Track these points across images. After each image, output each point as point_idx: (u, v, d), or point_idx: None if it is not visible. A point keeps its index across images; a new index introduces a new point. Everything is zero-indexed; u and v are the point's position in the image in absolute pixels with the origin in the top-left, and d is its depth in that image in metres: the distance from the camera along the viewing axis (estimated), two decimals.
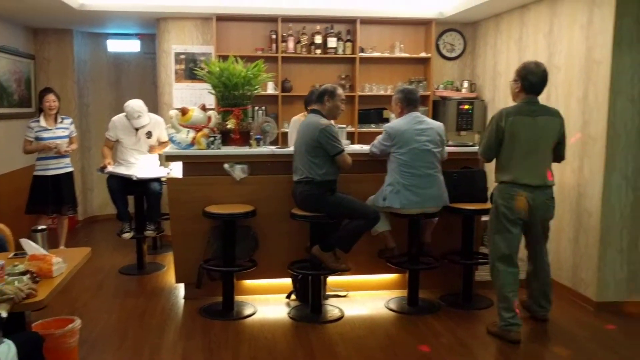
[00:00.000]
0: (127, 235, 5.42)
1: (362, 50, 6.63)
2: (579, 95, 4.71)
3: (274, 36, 6.51)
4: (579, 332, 4.15)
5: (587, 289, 4.63)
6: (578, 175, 4.73)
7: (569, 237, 4.86)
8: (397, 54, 6.70)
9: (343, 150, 4.25)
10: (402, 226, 4.55)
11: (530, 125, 3.90)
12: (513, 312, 3.95)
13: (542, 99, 5.10)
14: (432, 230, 4.71)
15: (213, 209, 4.39)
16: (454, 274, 4.82)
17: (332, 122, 4.41)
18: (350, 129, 6.58)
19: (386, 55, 6.71)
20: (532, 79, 3.90)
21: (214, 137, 4.60)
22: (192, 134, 4.64)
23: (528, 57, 5.49)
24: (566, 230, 4.90)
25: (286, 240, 4.63)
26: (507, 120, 3.90)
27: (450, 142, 5.26)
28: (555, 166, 4.86)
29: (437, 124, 4.41)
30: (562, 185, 4.94)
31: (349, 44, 6.61)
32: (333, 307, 4.55)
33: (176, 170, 4.87)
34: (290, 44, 6.52)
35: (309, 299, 4.47)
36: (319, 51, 6.57)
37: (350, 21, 6.59)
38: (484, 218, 5.35)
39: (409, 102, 4.37)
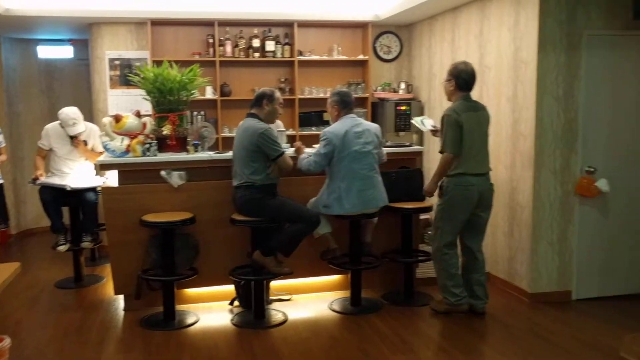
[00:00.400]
0: (62, 248, 5.24)
1: (300, 54, 6.66)
2: (508, 94, 4.88)
3: (211, 40, 6.45)
4: (514, 322, 4.28)
5: (522, 280, 4.80)
6: (510, 172, 4.89)
7: (504, 231, 5.02)
8: (336, 56, 6.76)
9: (283, 153, 4.25)
10: (344, 227, 4.59)
11: (475, 119, 4.22)
12: (461, 287, 4.35)
13: (475, 98, 5.28)
14: (373, 230, 4.77)
15: (150, 217, 4.30)
16: (395, 272, 4.90)
17: (271, 125, 4.40)
18: (291, 132, 6.59)
19: (325, 58, 6.75)
20: (465, 77, 4.21)
21: (150, 143, 4.51)
22: (126, 141, 4.54)
23: (461, 58, 5.64)
24: (501, 225, 5.06)
25: (227, 246, 4.59)
26: (461, 116, 4.14)
27: (388, 143, 5.36)
28: (492, 164, 5.04)
29: (374, 126, 4.47)
30: (496, 181, 5.07)
31: (287, 48, 6.61)
32: (277, 311, 4.54)
33: (112, 179, 4.75)
34: (228, 48, 6.48)
35: (252, 304, 4.44)
36: (257, 55, 6.54)
37: (288, 24, 6.60)
38: (423, 216, 5.49)
39: (345, 104, 4.41)
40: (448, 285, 4.38)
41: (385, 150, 4.78)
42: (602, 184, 4.56)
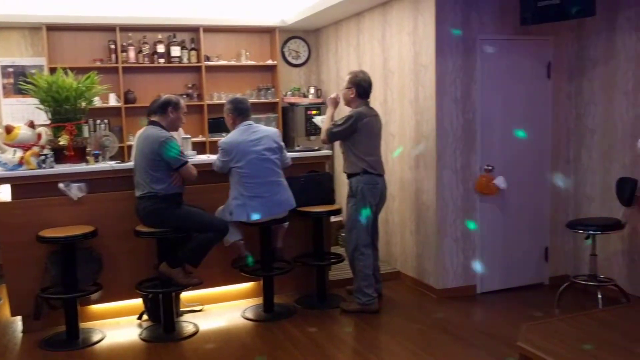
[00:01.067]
0: None
1: (207, 59, 6.56)
2: (411, 97, 5.03)
3: (112, 46, 6.23)
4: (423, 319, 4.41)
5: (429, 277, 4.95)
6: (415, 172, 5.04)
7: (411, 230, 5.17)
8: (244, 61, 6.71)
9: (187, 162, 4.15)
10: (255, 234, 4.55)
11: (376, 124, 4.57)
12: (372, 287, 4.53)
13: (380, 101, 5.42)
14: (284, 235, 4.76)
15: (48, 232, 4.07)
16: (308, 276, 4.92)
17: (173, 133, 4.29)
18: (200, 138, 6.48)
19: (233, 63, 6.70)
20: (365, 85, 4.54)
21: (46, 155, 4.28)
22: (19, 153, 4.28)
23: (366, 63, 5.79)
24: (409, 224, 5.21)
25: (133, 259, 4.43)
26: (363, 120, 4.41)
27: (297, 147, 5.39)
28: (395, 164, 5.20)
29: (272, 131, 4.47)
30: (403, 182, 5.25)
31: (193, 53, 6.50)
32: (188, 323, 4.43)
33: (4, 193, 4.46)
34: (132, 54, 6.28)
35: (161, 317, 4.31)
36: (162, 60, 6.39)
37: (194, 29, 6.49)
38: (335, 219, 5.56)
39: (240, 111, 4.38)
40: (362, 286, 4.50)
41: (292, 154, 4.81)
42: (499, 182, 4.79)
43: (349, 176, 4.55)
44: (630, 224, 4.48)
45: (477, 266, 4.93)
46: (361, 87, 4.49)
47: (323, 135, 4.59)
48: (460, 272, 4.90)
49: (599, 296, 4.40)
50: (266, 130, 4.42)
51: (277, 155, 4.37)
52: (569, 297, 4.71)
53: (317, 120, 5.07)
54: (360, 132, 4.41)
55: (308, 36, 7.08)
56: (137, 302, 4.50)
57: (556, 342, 3.51)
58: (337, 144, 4.87)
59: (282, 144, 4.46)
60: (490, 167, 4.83)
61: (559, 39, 4.99)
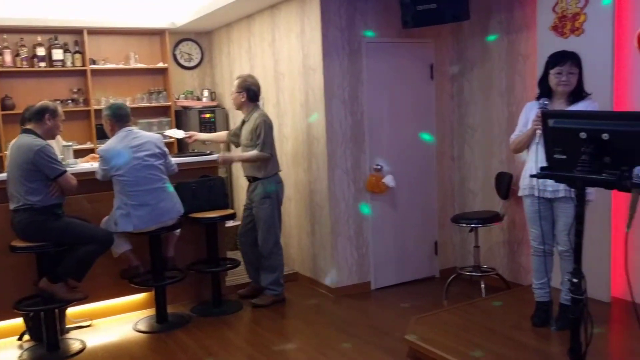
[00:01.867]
0: None
1: (93, 62, 6.28)
2: (301, 99, 5.07)
3: None
4: (318, 319, 4.46)
5: (325, 277, 5.01)
6: (309, 174, 5.09)
7: (307, 230, 5.21)
8: (133, 64, 6.48)
9: (65, 171, 3.94)
10: (145, 243, 4.40)
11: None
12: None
13: (273, 103, 5.42)
14: (176, 242, 4.64)
15: None
16: (203, 283, 4.83)
17: (50, 142, 4.06)
18: (88, 145, 6.19)
19: (121, 66, 6.45)
20: (254, 89, 4.67)
21: None
22: None
23: (258, 65, 5.77)
24: (304, 225, 5.24)
25: (11, 276, 4.15)
26: (271, 123, 4.66)
27: (188, 152, 5.29)
28: (290, 166, 5.23)
29: (155, 137, 4.35)
30: (298, 184, 5.28)
31: (78, 56, 6.20)
32: (74, 340, 4.21)
33: None
34: (8, 57, 5.89)
35: (44, 336, 4.06)
36: (43, 64, 6.04)
37: (77, 32, 6.19)
38: (231, 224, 5.50)
39: (119, 117, 4.23)
40: (279, 277, 4.77)
41: (183, 159, 4.71)
42: (388, 180, 4.94)
43: (263, 179, 4.62)
44: (508, 215, 4.76)
45: (371, 263, 5.05)
46: (251, 90, 4.62)
47: (260, 157, 4.57)
48: (355, 269, 5.00)
49: (482, 286, 4.64)
50: (148, 136, 4.29)
51: (161, 161, 4.24)
52: (457, 288, 4.93)
53: (170, 132, 5.25)
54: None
55: (200, 38, 6.96)
56: (19, 322, 4.22)
57: (441, 332, 3.67)
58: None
59: (166, 149, 4.34)
60: (379, 167, 4.96)
61: (440, 42, 5.21)
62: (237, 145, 4.96)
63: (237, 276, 5.18)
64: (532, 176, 2.90)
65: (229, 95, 6.57)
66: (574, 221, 2.67)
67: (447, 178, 5.38)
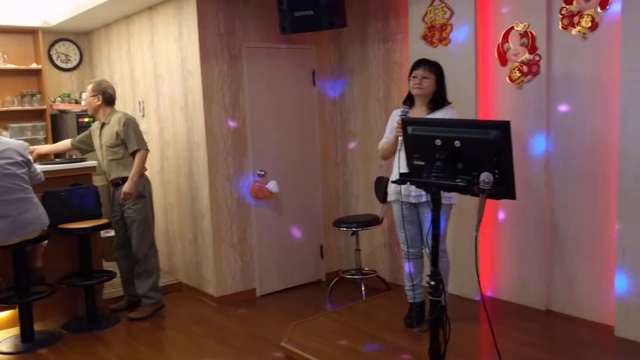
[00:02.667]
0: None
1: None
2: (181, 103, 4.93)
3: None
4: (198, 330, 4.33)
5: (209, 286, 4.90)
6: (190, 180, 4.96)
7: (190, 239, 5.08)
8: (2, 65, 6.03)
9: None
10: (8, 256, 4.09)
11: None
12: None
13: (154, 108, 5.25)
14: (47, 255, 4.36)
15: None
16: (77, 297, 4.57)
17: None
18: None
19: None
20: (111, 92, 4.59)
21: None
22: None
23: (138, 68, 5.56)
24: (187, 233, 5.10)
25: None
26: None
27: (58, 160, 5.00)
28: (171, 173, 5.08)
29: (17, 143, 4.05)
30: (180, 191, 5.13)
31: None
32: None
33: None
34: None
35: None
36: None
37: None
38: (106, 234, 5.25)
39: None
40: (156, 283, 4.62)
41: (52, 167, 4.44)
42: (271, 186, 4.91)
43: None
44: (387, 218, 4.88)
45: (256, 270, 5.00)
46: (107, 94, 4.52)
47: (145, 155, 4.46)
48: (239, 277, 4.92)
49: (363, 288, 4.73)
50: (10, 143, 3.99)
51: (25, 169, 3.95)
52: (340, 291, 5.00)
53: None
54: None
55: (79, 39, 6.61)
56: None
57: (316, 338, 3.68)
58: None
59: (30, 157, 4.06)
60: (262, 172, 4.92)
61: (321, 48, 5.27)
62: (86, 152, 4.79)
63: (116, 288, 4.94)
64: (392, 182, 2.97)
65: None
66: (431, 225, 2.76)
67: (331, 182, 5.45)
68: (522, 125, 3.87)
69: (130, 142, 4.41)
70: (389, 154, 3.67)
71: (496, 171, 2.57)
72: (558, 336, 3.56)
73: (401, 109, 3.52)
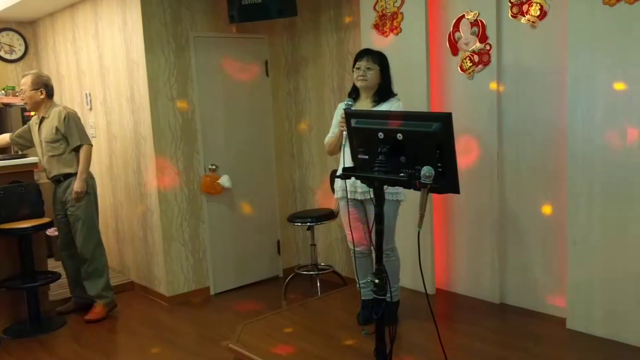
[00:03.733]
0: None
1: None
2: (127, 95, 4.73)
3: None
4: (146, 331, 4.18)
5: (160, 285, 4.74)
6: (138, 176, 4.78)
7: (140, 236, 4.90)
8: None
9: None
10: None
11: None
12: None
13: (101, 101, 5.05)
14: None
15: None
16: (20, 300, 4.36)
17: None
18: None
19: None
20: (51, 85, 4.38)
21: None
22: None
23: (83, 59, 5.34)
24: (137, 231, 4.93)
25: None
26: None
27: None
28: (120, 168, 4.94)
29: None
30: (128, 187, 4.94)
31: None
32: None
33: None
34: None
35: None
36: None
37: None
38: (51, 232, 5.05)
39: None
40: (108, 280, 4.46)
41: None
42: (224, 180, 4.76)
43: (74, 174, 4.25)
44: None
45: (210, 267, 4.85)
46: (49, 87, 4.35)
47: (89, 150, 4.28)
48: (192, 275, 4.77)
49: (318, 284, 4.63)
50: None
51: None
52: (296, 287, 4.89)
53: None
54: None
55: (24, 29, 6.31)
56: None
57: (266, 338, 3.56)
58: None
59: None
60: (214, 167, 4.77)
61: (274, 38, 5.12)
62: (25, 147, 4.57)
63: (65, 289, 4.74)
64: (336, 177, 2.86)
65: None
66: (374, 221, 2.66)
67: (287, 176, 5.32)
68: (474, 116, 3.80)
69: (72, 137, 4.22)
70: (335, 149, 3.56)
71: (439, 165, 2.47)
72: (510, 330, 3.51)
73: (345, 102, 3.40)
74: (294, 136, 5.29)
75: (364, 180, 2.73)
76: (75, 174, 4.25)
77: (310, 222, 4.59)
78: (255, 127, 5.06)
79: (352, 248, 3.54)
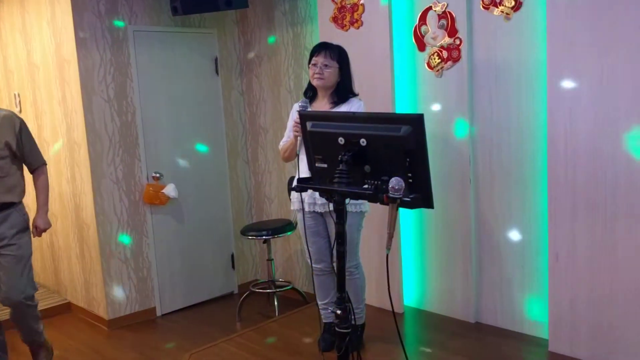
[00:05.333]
0: None
1: None
2: (59, 96, 4.23)
3: None
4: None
5: (99, 307, 4.25)
6: (73, 186, 4.28)
7: (76, 253, 4.40)
8: None
9: None
10: None
11: None
12: None
13: (31, 102, 4.54)
14: None
15: None
16: None
17: None
18: None
19: None
20: None
21: None
22: None
23: (10, 56, 4.82)
24: (73, 247, 4.43)
25: None
26: None
27: None
28: (51, 177, 4.34)
29: None
30: (62, 197, 4.44)
31: None
32: None
33: None
34: None
35: None
36: None
37: None
38: None
39: None
40: (42, 322, 3.38)
41: None
42: (169, 190, 4.30)
43: (20, 203, 3.21)
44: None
45: (155, 286, 4.39)
46: None
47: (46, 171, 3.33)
48: (135, 296, 4.30)
49: (276, 303, 4.22)
50: None
51: None
52: (252, 305, 4.47)
53: None
54: None
55: None
56: None
57: None
58: None
59: None
60: (158, 175, 4.31)
61: (224, 33, 4.69)
62: None
63: None
64: (291, 189, 2.46)
65: None
66: (335, 241, 2.27)
67: (242, 183, 4.90)
68: (444, 118, 3.45)
69: (31, 155, 3.23)
70: (291, 155, 3.17)
71: (409, 175, 2.11)
72: (487, 352, 3.17)
73: (300, 102, 3.01)
74: (248, 140, 4.88)
75: (322, 193, 2.35)
76: (18, 203, 3.20)
77: (266, 235, 4.17)
78: (204, 131, 4.62)
79: (319, 265, 3.16)
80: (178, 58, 4.41)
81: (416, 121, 2.07)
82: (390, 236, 2.07)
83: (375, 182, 2.20)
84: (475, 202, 3.42)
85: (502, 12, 3.17)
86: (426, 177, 2.11)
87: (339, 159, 2.20)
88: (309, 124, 2.39)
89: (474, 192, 3.41)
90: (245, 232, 4.25)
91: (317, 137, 2.38)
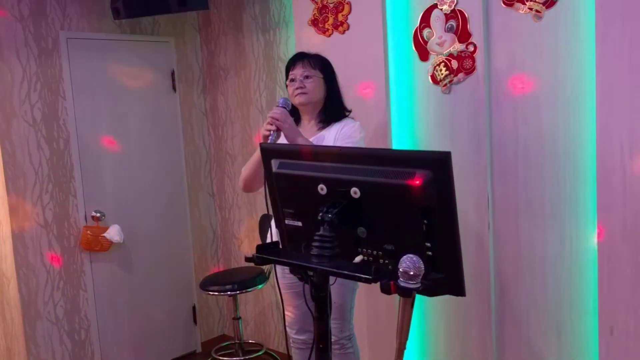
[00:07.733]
0: None
1: None
2: None
3: None
4: None
5: None
6: None
7: None
8: None
9: None
10: None
11: None
12: None
13: None
14: None
15: None
16: None
17: None
18: None
19: None
20: None
21: None
22: None
23: None
24: None
25: None
26: None
27: None
28: None
29: None
30: None
31: None
32: None
33: None
34: None
35: None
36: None
37: None
38: None
39: None
40: None
41: None
42: (112, 233, 3.50)
43: None
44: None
45: (96, 351, 3.56)
46: None
47: None
48: None
49: None
50: None
51: None
52: None
53: None
54: None
55: None
56: None
57: None
58: None
59: None
60: (98, 215, 3.51)
61: (184, 42, 3.94)
62: None
63: None
64: (247, 260, 1.67)
65: None
66: (315, 313, 1.52)
67: (205, 221, 4.12)
68: (454, 147, 2.70)
69: None
70: (255, 181, 2.42)
71: (427, 245, 1.39)
72: None
73: (281, 100, 2.26)
74: (213, 169, 4.11)
75: (294, 270, 1.57)
76: None
77: (231, 291, 3.37)
78: (159, 159, 3.84)
79: (301, 337, 2.44)
80: (125, 71, 3.64)
81: (440, 163, 1.33)
82: (402, 347, 1.32)
83: (375, 252, 1.47)
84: (496, 248, 2.67)
85: (531, 9, 2.44)
86: (454, 249, 1.36)
87: (319, 217, 1.45)
88: (274, 163, 1.64)
89: (494, 236, 2.66)
90: (205, 285, 3.46)
91: (286, 182, 1.63)
